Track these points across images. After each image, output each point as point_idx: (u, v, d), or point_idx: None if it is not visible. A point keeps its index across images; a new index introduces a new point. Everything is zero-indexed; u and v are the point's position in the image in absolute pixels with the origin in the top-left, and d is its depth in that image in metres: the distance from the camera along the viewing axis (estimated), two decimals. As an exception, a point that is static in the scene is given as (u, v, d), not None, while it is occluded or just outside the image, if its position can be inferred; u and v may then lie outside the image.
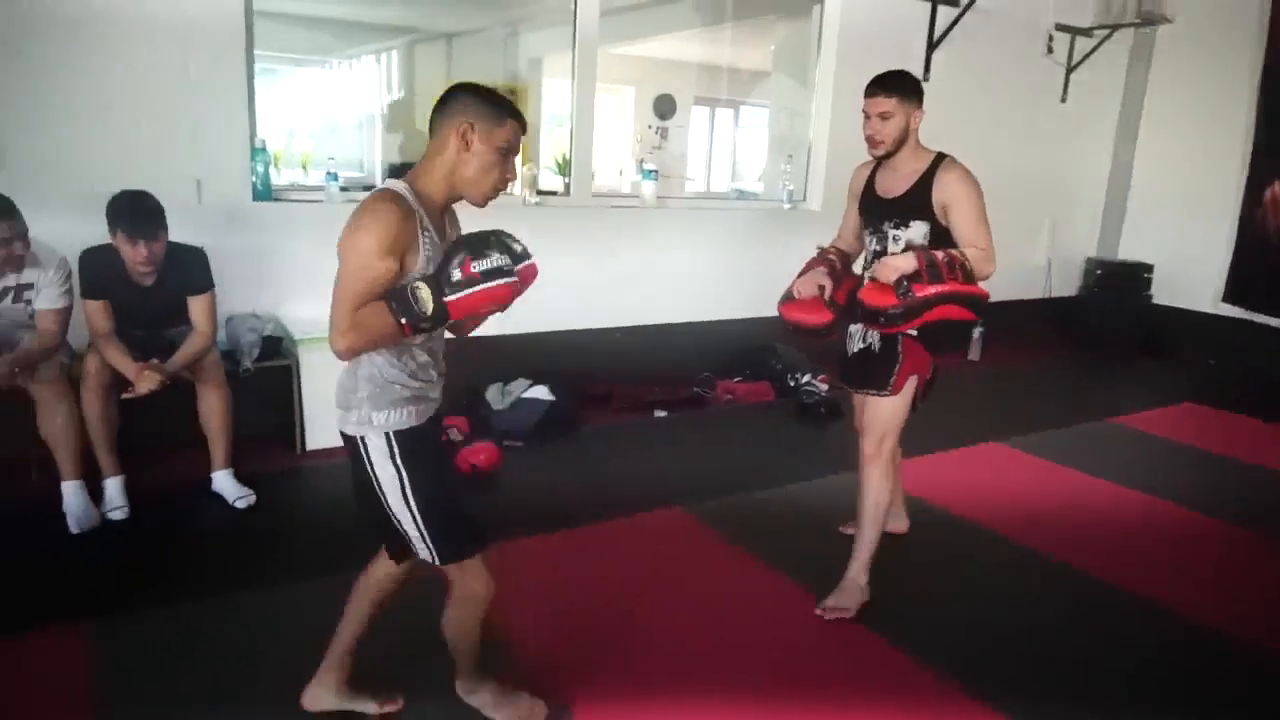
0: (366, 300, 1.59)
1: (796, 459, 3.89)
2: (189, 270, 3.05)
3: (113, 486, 2.98)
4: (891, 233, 2.54)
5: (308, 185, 6.46)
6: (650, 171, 4.89)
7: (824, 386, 4.69)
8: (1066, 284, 6.84)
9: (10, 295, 2.85)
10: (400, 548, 1.84)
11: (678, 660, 2.32)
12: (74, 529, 2.83)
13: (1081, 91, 6.33)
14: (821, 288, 2.55)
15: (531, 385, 4.13)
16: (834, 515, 3.14)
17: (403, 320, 1.60)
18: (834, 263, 2.65)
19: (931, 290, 2.32)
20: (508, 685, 2.03)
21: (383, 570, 1.93)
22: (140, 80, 3.34)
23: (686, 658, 2.34)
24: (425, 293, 1.61)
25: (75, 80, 3.22)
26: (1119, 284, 6.53)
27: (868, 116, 2.48)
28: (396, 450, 1.71)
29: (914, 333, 2.48)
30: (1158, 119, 6.54)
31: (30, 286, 2.86)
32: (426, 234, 1.67)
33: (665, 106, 9.89)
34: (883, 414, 2.58)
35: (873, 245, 2.61)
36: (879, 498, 2.59)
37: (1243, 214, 5.94)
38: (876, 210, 2.58)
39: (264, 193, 3.69)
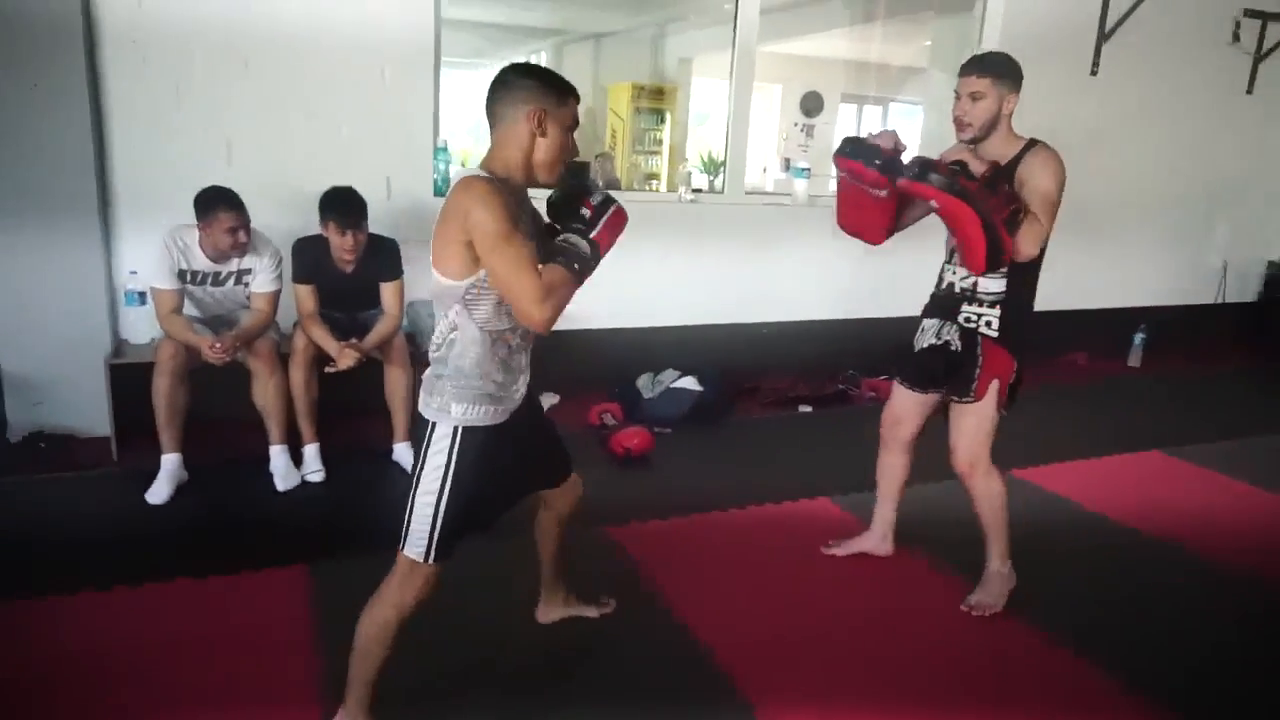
0: (536, 267, 1.63)
1: (939, 457, 3.87)
2: (384, 259, 3.36)
3: (310, 452, 3.34)
4: None
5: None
6: (802, 170, 4.94)
7: (974, 388, 4.63)
8: (1245, 289, 6.39)
9: (233, 279, 3.24)
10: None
11: (831, 642, 2.42)
12: (280, 487, 3.20)
13: (1271, 81, 5.91)
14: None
15: (680, 376, 4.28)
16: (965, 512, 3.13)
17: (576, 266, 1.67)
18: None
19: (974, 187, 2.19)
20: None
21: (548, 515, 2.18)
22: (343, 88, 3.70)
23: (840, 641, 2.43)
24: (575, 237, 1.70)
25: (289, 89, 3.61)
26: (1305, 290, 6.06)
27: (958, 96, 2.39)
28: (457, 447, 1.73)
29: (995, 334, 2.41)
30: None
31: (249, 271, 3.24)
32: (524, 212, 1.73)
33: (812, 104, 9.87)
34: (969, 426, 2.49)
35: (951, 240, 2.50)
36: (991, 497, 2.55)
37: None
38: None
39: (444, 188, 4.00)
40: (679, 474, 3.57)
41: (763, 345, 4.77)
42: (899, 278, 5.01)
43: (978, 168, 2.27)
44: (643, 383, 4.29)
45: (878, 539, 2.89)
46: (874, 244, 2.59)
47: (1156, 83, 5.53)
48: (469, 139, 8.74)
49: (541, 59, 9.62)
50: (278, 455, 3.25)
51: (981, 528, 2.60)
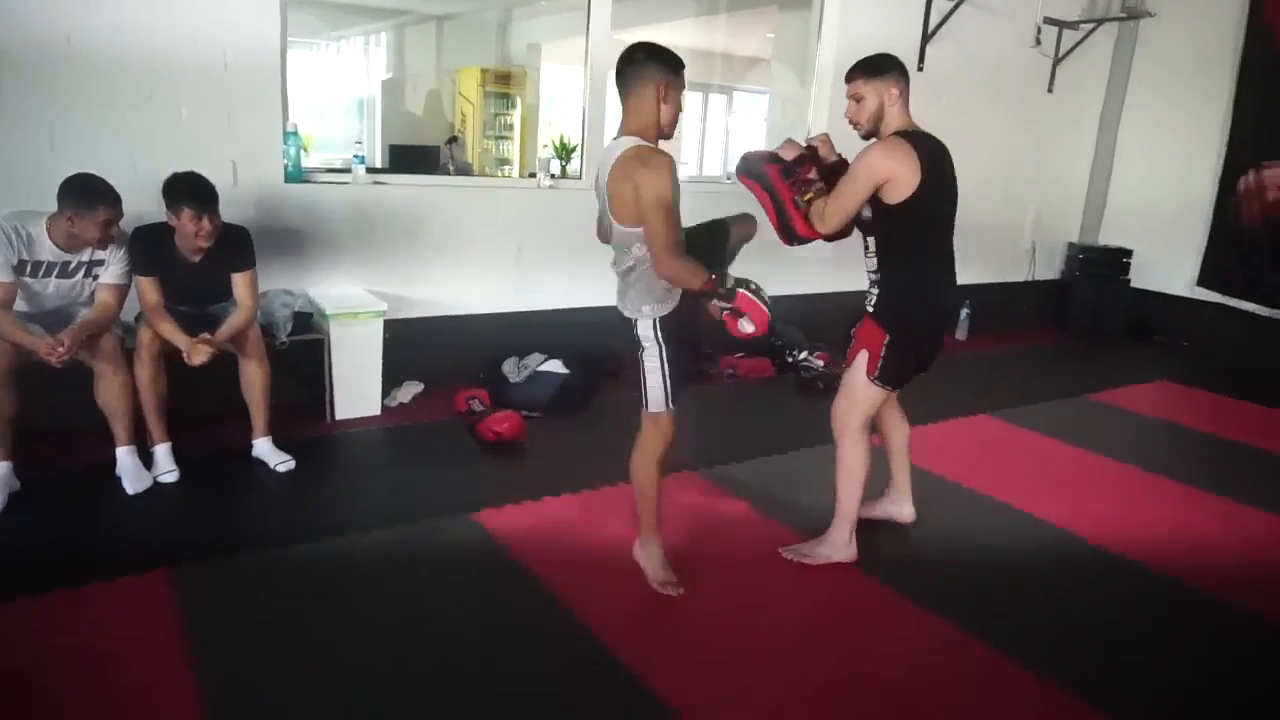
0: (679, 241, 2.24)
1: (797, 428, 4.11)
2: (234, 248, 3.22)
3: (162, 452, 3.17)
4: (863, 212, 2.63)
5: (313, 167, 6.63)
6: (657, 157, 5.06)
7: (820, 363, 4.93)
8: (1050, 268, 7.11)
9: (83, 270, 3.01)
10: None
11: (705, 601, 2.55)
12: (130, 490, 3.02)
13: (1068, 82, 6.57)
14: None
15: (546, 359, 4.33)
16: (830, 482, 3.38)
17: (712, 276, 2.31)
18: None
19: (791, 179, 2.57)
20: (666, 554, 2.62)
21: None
22: (182, 70, 3.48)
23: (711, 598, 2.57)
24: (734, 281, 2.41)
25: (116, 69, 3.36)
26: (1099, 268, 6.80)
27: (847, 100, 2.64)
28: (659, 329, 2.40)
29: (871, 309, 2.67)
30: (1140, 109, 6.79)
31: (100, 263, 3.02)
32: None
33: (661, 91, 10.10)
34: (842, 390, 2.75)
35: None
36: (848, 464, 2.74)
37: (1218, 202, 6.22)
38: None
39: (295, 175, 3.86)
40: (550, 456, 3.64)
41: (625, 327, 4.87)
42: (750, 259, 5.26)
43: (826, 153, 2.60)
44: (508, 367, 4.31)
45: (889, 507, 3.10)
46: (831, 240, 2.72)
47: (974, 81, 6.03)
48: (311, 121, 8.38)
49: (381, 40, 9.30)
50: (125, 456, 3.06)
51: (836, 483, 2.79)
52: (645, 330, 2.41)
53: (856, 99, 2.59)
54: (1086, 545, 3.07)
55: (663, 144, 2.32)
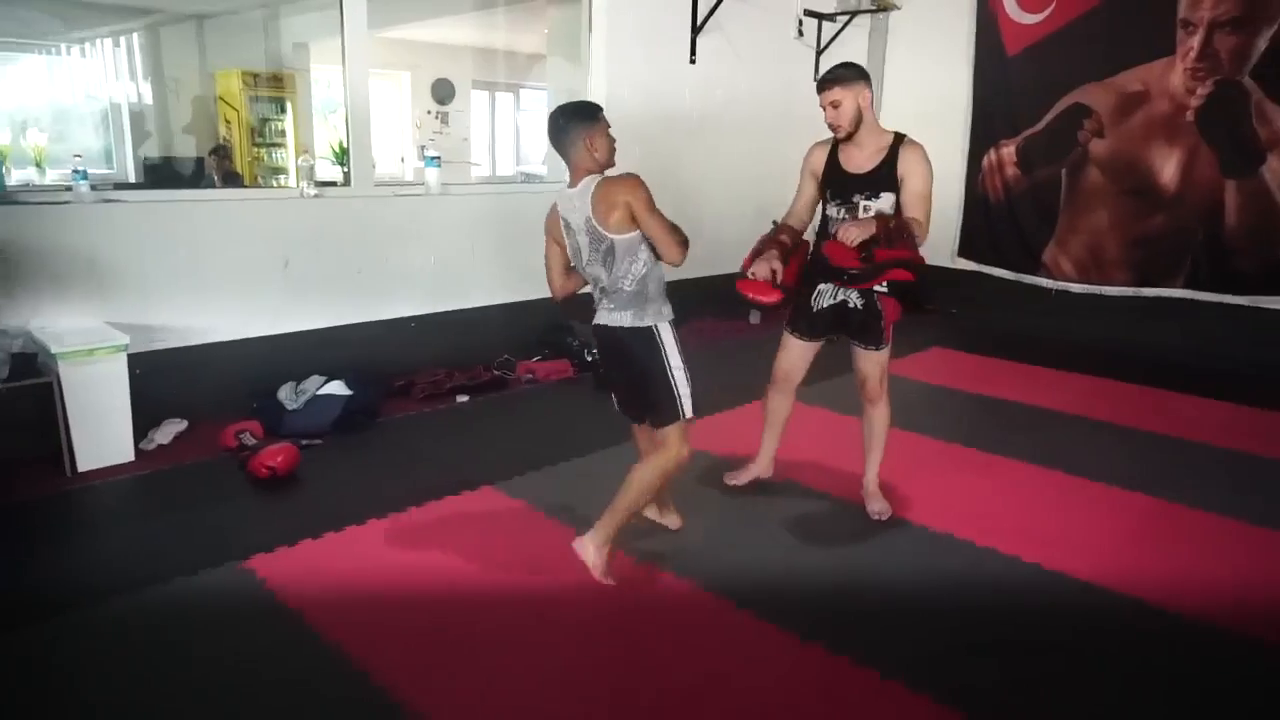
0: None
1: (599, 429, 4.05)
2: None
3: None
4: (862, 203, 2.90)
5: (46, 185, 5.87)
6: (433, 158, 4.85)
7: (620, 359, 4.91)
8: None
9: None
10: (660, 419, 2.61)
11: (512, 634, 2.42)
12: None
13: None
14: (774, 271, 2.89)
15: (327, 381, 4.03)
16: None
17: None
18: (785, 243, 2.98)
19: (888, 256, 2.76)
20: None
21: (645, 440, 2.78)
22: None
23: (520, 630, 2.43)
24: None
25: None
26: (874, 246, 7.22)
27: (823, 108, 2.86)
28: (676, 335, 2.60)
29: (886, 289, 2.94)
30: (895, 95, 7.26)
31: None
32: None
33: (443, 91, 9.77)
34: (879, 363, 3.06)
35: (840, 214, 2.94)
36: (886, 423, 3.14)
37: (968, 179, 6.77)
38: (845, 184, 2.94)
39: (-3, 194, 3.35)
40: (332, 487, 3.36)
41: (411, 339, 4.64)
42: (537, 262, 5.16)
43: (854, 235, 2.72)
44: (284, 394, 3.98)
45: (764, 465, 3.40)
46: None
47: (743, 73, 6.22)
48: (44, 133, 7.44)
49: (134, 42, 8.41)
50: None
51: (870, 447, 3.18)
52: (666, 336, 2.58)
53: (834, 105, 2.84)
54: (856, 510, 3.20)
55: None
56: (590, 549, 2.59)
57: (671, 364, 2.57)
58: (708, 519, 3.13)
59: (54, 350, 3.26)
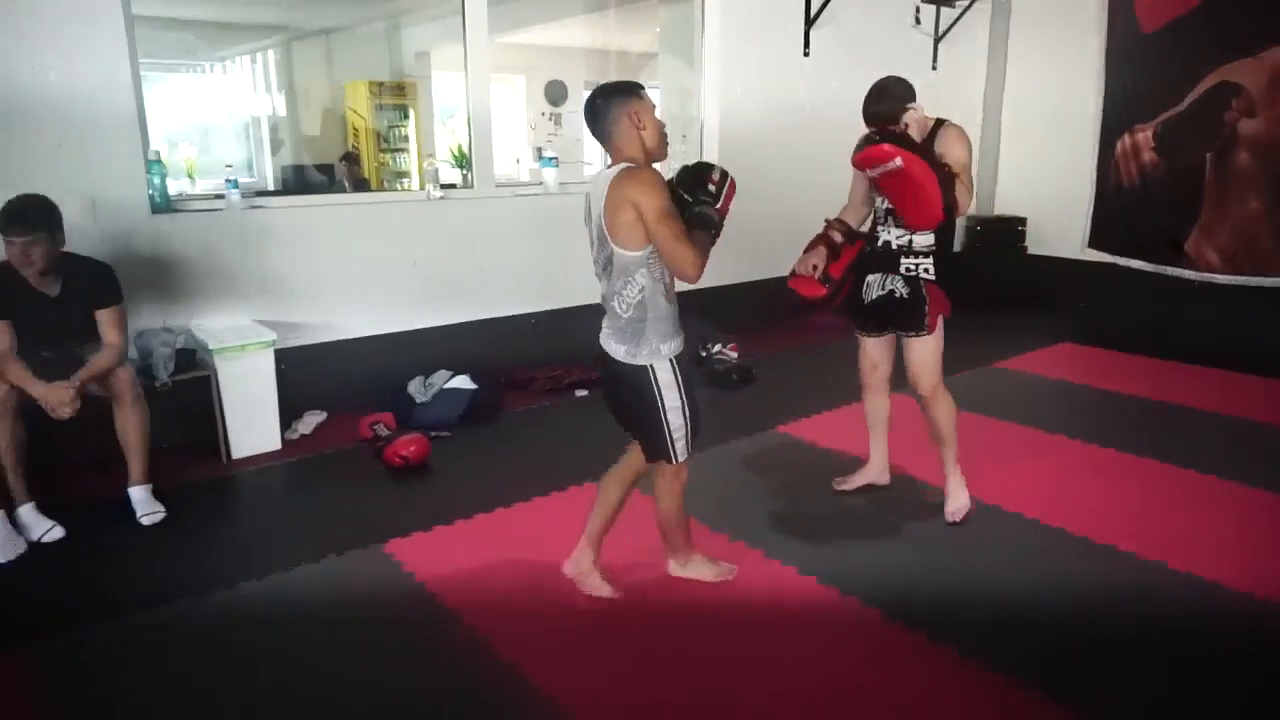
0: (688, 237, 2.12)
1: (712, 423, 4.06)
2: (95, 284, 3.01)
3: (29, 512, 2.93)
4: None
5: (198, 194, 6.31)
6: (550, 159, 4.98)
7: (734, 354, 4.91)
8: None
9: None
10: (654, 454, 2.38)
11: (643, 620, 2.48)
12: (0, 559, 2.78)
13: (950, 60, 6.72)
14: (815, 266, 2.89)
15: (453, 376, 4.19)
16: (752, 473, 3.35)
17: (713, 233, 2.20)
18: (833, 238, 2.97)
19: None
20: (705, 554, 2.66)
21: (635, 459, 2.49)
22: (23, 103, 3.23)
23: (653, 619, 2.49)
24: (708, 211, 2.20)
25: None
26: (997, 238, 6.98)
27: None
28: (679, 373, 2.29)
29: (933, 277, 2.87)
30: (1020, 81, 7.00)
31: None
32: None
33: (556, 92, 9.96)
34: (926, 354, 2.93)
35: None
36: (947, 415, 2.99)
37: (1098, 166, 6.44)
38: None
39: (162, 204, 3.63)
40: (460, 477, 3.51)
41: (533, 336, 4.78)
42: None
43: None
44: (414, 387, 4.16)
45: (878, 471, 3.30)
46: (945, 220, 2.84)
47: (858, 63, 6.09)
48: (192, 148, 8.02)
49: (269, 58, 8.96)
50: (-8, 524, 2.82)
51: (938, 442, 3.03)
52: (665, 375, 2.28)
53: (905, 125, 2.78)
54: (1007, 514, 3.10)
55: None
56: (689, 564, 2.63)
57: (666, 405, 2.30)
58: (828, 517, 3.10)
59: (211, 346, 3.52)
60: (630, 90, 2.19)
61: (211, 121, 8.69)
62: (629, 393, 2.32)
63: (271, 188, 8.11)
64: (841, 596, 2.56)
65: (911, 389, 3.01)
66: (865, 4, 5.99)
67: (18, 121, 3.24)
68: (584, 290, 5.02)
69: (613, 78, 10.74)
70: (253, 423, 3.66)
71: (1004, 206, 7.23)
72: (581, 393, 4.53)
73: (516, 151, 9.86)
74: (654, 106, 2.21)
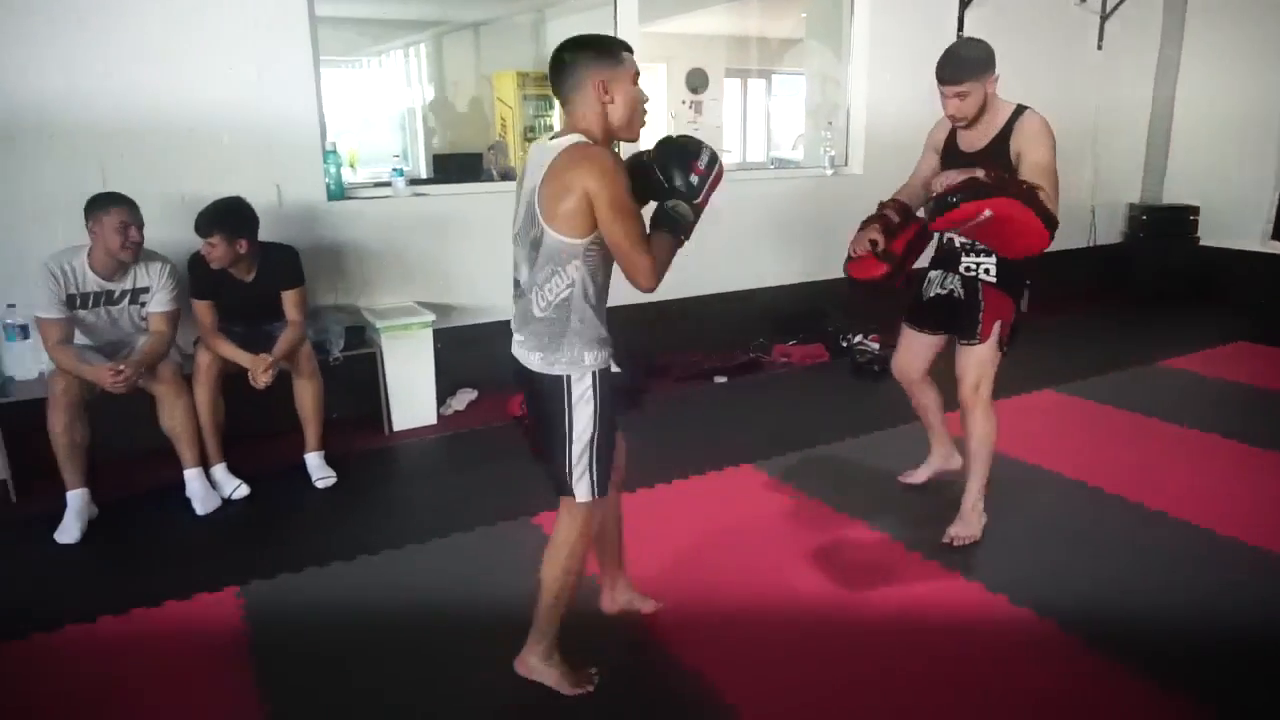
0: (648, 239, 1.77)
1: (855, 415, 4.04)
2: (281, 267, 3.29)
3: (221, 471, 3.25)
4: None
5: (360, 182, 6.72)
6: (695, 148, 5.01)
7: (875, 345, 4.84)
8: (1111, 232, 6.85)
9: (127, 297, 3.10)
10: (556, 487, 1.98)
11: (787, 608, 2.51)
12: (199, 511, 3.10)
13: (1117, 37, 6.32)
14: (873, 242, 2.66)
15: (596, 359, 4.32)
16: (897, 466, 3.31)
17: (681, 237, 1.84)
18: (888, 216, 2.74)
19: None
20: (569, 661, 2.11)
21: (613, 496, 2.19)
22: (216, 97, 3.55)
23: (792, 605, 2.53)
24: (682, 206, 1.85)
25: (160, 99, 3.45)
26: (1164, 228, 6.53)
27: (946, 97, 2.59)
28: (598, 391, 1.88)
29: (993, 279, 2.67)
30: (1197, 59, 6.50)
31: (145, 290, 3.10)
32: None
33: (697, 80, 9.99)
34: (975, 360, 2.72)
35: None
36: (984, 439, 2.77)
37: (1288, 150, 5.92)
38: (958, 165, 2.66)
39: (337, 192, 3.91)
40: (604, 456, 3.62)
41: (671, 322, 4.85)
42: (798, 245, 5.20)
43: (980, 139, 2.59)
44: (559, 370, 4.32)
45: (942, 457, 3.19)
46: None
47: (1017, 42, 5.82)
48: (355, 137, 8.52)
49: (420, 51, 9.41)
50: (193, 479, 3.14)
51: (968, 459, 2.83)
52: (581, 388, 1.86)
53: (961, 96, 2.56)
54: (1164, 518, 2.95)
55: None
56: (537, 666, 2.09)
57: (574, 425, 1.87)
58: (1010, 527, 3.02)
59: (377, 325, 3.78)
60: (606, 50, 1.80)
61: (369, 113, 9.22)
62: (538, 404, 1.92)
63: (424, 175, 8.56)
64: (1014, 607, 2.47)
65: (957, 396, 2.79)
66: (1026, -19, 5.71)
67: (215, 118, 3.56)
68: (724, 276, 5.08)
69: (754, 66, 10.72)
70: (412, 398, 3.90)
71: (1173, 195, 6.76)
72: (720, 379, 4.57)
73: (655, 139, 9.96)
74: (635, 75, 1.82)
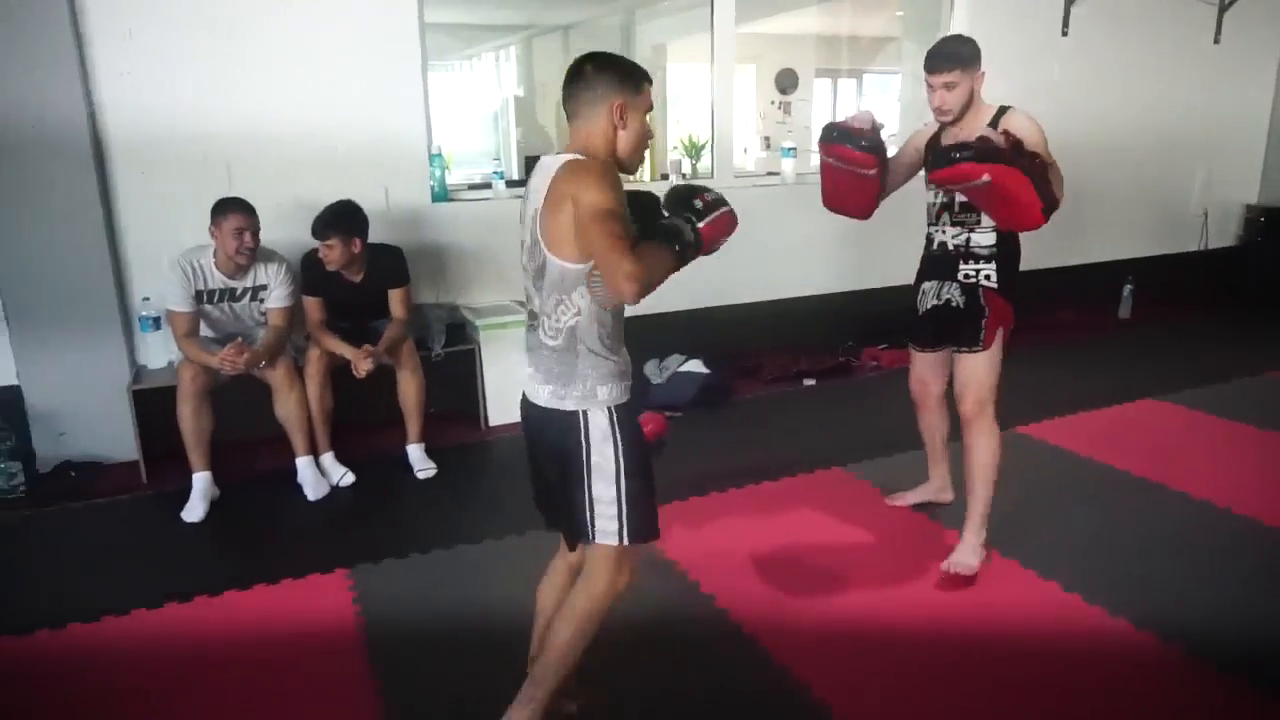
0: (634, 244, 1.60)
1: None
2: (388, 267, 3.44)
3: (329, 460, 3.42)
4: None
5: (455, 184, 6.94)
6: (790, 149, 5.03)
7: (970, 350, 4.75)
8: (1225, 235, 6.53)
9: (249, 295, 3.30)
10: (574, 533, 1.84)
11: (880, 612, 2.52)
12: (311, 497, 3.28)
13: (1237, 30, 6.01)
14: (857, 132, 2.54)
15: (686, 359, 4.37)
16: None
17: (675, 247, 1.68)
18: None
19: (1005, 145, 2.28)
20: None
21: (563, 565, 1.99)
22: (333, 102, 3.74)
23: (886, 610, 2.53)
24: (680, 222, 1.73)
25: (281, 105, 3.65)
26: (1284, 231, 6.19)
27: (932, 89, 2.52)
28: (618, 426, 1.74)
29: (995, 285, 2.55)
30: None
31: (264, 288, 3.30)
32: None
33: (787, 81, 9.93)
34: (978, 372, 2.58)
35: (940, 198, 2.64)
36: (987, 457, 2.61)
37: None
38: (945, 163, 2.46)
39: (441, 194, 4.07)
40: (695, 455, 3.66)
41: (761, 324, 4.87)
42: (890, 248, 5.12)
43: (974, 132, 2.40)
44: (650, 369, 4.38)
45: (937, 488, 3.07)
46: (862, 219, 2.77)
47: (1126, 39, 5.62)
48: (450, 138, 8.77)
49: (510, 54, 9.63)
50: (305, 466, 3.32)
51: (969, 479, 2.66)
52: (599, 426, 1.73)
53: (948, 87, 2.49)
54: (1270, 531, 2.83)
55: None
56: None
57: (592, 469, 1.73)
58: (1116, 540, 2.95)
59: (476, 323, 3.91)
60: (630, 76, 1.72)
61: (462, 116, 9.48)
62: (549, 450, 1.80)
63: (516, 176, 8.76)
64: (1111, 617, 2.42)
65: (958, 410, 2.64)
66: (1137, -25, 5.50)
67: (329, 125, 3.74)
68: (816, 279, 5.06)
69: (844, 65, 10.57)
70: (508, 394, 3.99)
71: (1294, 195, 6.40)
72: (809, 382, 4.56)
73: (744, 141, 9.94)
74: (650, 108, 1.75)
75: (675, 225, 1.72)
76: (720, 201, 1.78)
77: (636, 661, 2.25)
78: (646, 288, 1.55)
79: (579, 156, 1.69)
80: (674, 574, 2.68)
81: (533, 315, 1.80)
